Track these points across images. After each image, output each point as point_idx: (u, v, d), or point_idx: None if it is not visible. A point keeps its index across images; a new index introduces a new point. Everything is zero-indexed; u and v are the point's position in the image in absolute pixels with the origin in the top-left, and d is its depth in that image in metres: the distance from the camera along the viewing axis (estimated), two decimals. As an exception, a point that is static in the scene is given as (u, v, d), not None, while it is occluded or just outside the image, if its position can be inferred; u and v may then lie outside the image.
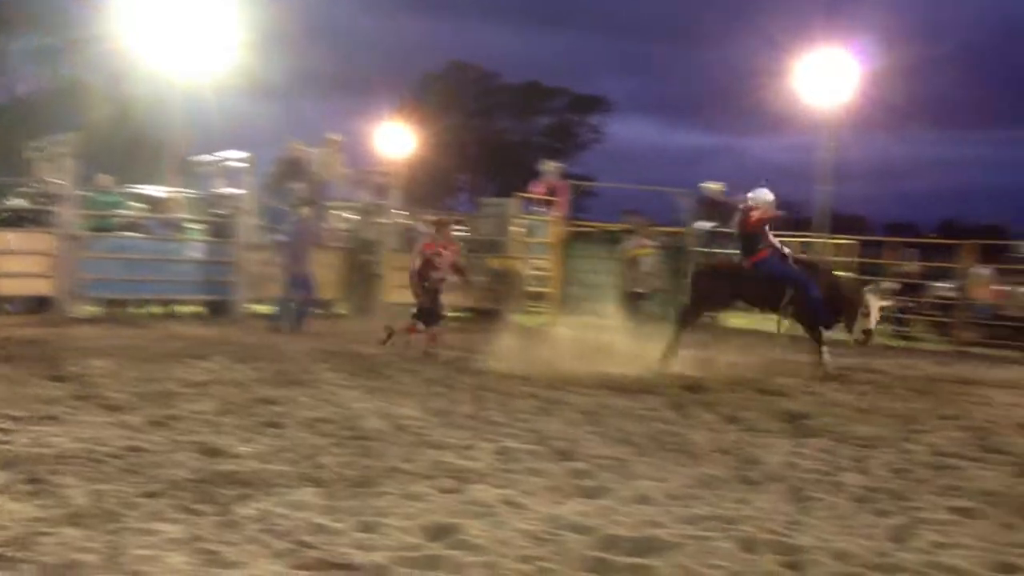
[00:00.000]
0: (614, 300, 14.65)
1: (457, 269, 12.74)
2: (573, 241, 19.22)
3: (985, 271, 17.63)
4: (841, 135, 22.09)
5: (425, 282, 12.40)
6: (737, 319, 18.96)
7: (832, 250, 19.78)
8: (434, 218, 13.86)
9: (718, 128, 71.58)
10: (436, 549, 4.79)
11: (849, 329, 11.99)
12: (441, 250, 12.53)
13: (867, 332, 11.68)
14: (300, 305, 15.30)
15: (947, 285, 18.44)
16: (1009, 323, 16.91)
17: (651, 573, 4.61)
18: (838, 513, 5.81)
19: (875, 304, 11.71)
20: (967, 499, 6.22)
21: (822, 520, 5.64)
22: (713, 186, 19.46)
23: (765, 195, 12.08)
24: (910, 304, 18.86)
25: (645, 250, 15.38)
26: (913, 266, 19.55)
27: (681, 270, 18.65)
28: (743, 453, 7.27)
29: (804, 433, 8.14)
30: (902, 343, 17.55)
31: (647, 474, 6.49)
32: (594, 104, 53.23)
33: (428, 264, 12.43)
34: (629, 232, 17.36)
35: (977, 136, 75.87)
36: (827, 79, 23.06)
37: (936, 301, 18.60)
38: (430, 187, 38.87)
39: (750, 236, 12.09)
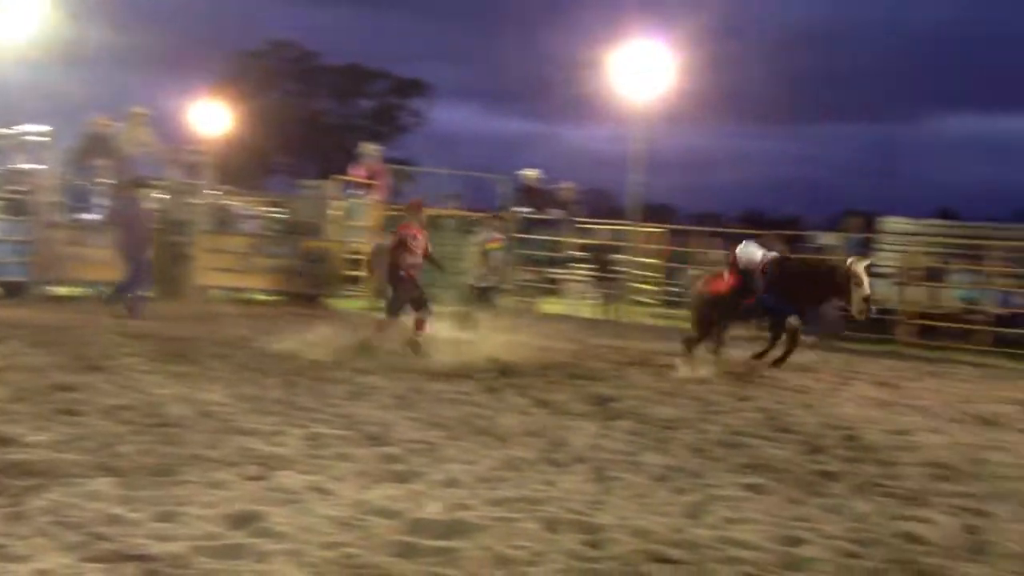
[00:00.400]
0: (451, 289, 14.61)
1: (427, 255, 12.02)
2: (393, 225, 19.10)
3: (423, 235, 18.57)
4: (653, 126, 22.73)
5: (400, 270, 11.68)
6: (551, 305, 19.38)
7: (642, 238, 20.40)
8: (411, 200, 13.04)
9: (538, 116, 72.57)
10: (238, 537, 4.71)
11: (848, 306, 11.68)
12: (417, 234, 11.88)
13: (867, 300, 11.39)
14: (132, 289, 14.54)
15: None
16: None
17: (457, 555, 4.66)
18: (638, 492, 6.02)
19: (863, 272, 11.57)
20: (758, 476, 6.55)
21: (623, 499, 5.83)
22: (530, 173, 19.75)
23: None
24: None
25: (496, 244, 15.07)
26: (718, 255, 20.38)
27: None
28: (551, 436, 7.43)
29: (610, 416, 8.39)
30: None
31: (457, 457, 6.56)
32: (416, 88, 52.98)
33: (403, 247, 11.72)
34: (474, 223, 17.28)
35: (781, 131, 79.63)
36: (641, 71, 23.72)
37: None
38: (246, 167, 37.87)
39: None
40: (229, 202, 19.01)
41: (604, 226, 21.59)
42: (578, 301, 20.11)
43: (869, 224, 19.96)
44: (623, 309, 19.19)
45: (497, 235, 15.33)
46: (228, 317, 14.63)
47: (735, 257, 11.82)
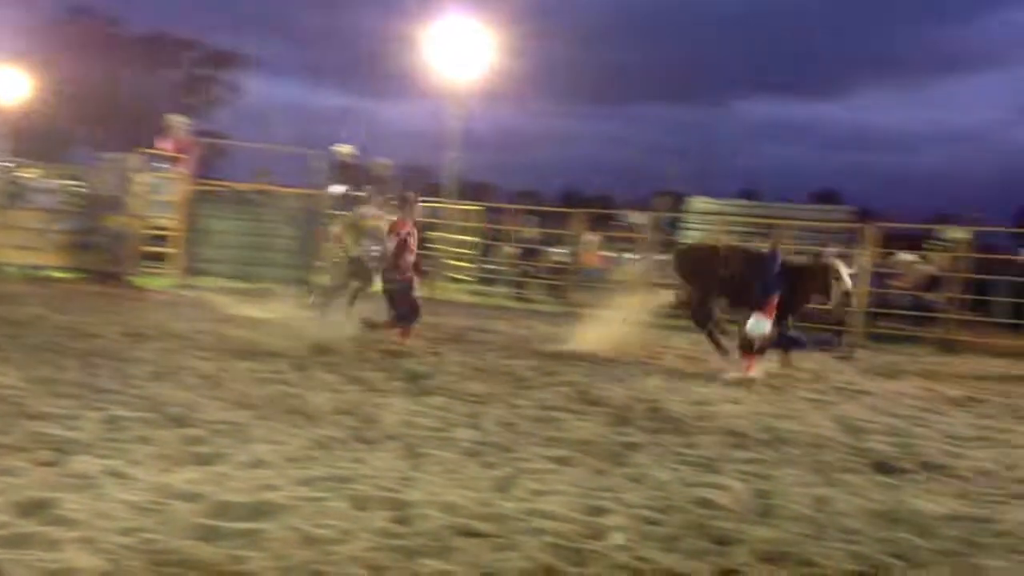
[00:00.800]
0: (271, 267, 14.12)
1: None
2: (202, 200, 18.57)
3: (594, 238, 19.04)
4: (470, 104, 22.86)
5: (399, 272, 11.06)
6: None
7: (460, 216, 20.50)
8: (404, 195, 12.03)
9: (355, 91, 71.66)
10: (28, 526, 4.49)
11: (828, 301, 11.61)
12: (413, 230, 11.22)
13: (847, 295, 11.57)
14: None
15: (562, 251, 19.73)
16: (613, 287, 18.33)
17: (262, 537, 4.58)
18: (449, 467, 6.07)
19: (842, 267, 11.76)
20: (566, 449, 6.72)
21: (433, 475, 5.87)
22: (344, 149, 19.50)
23: None
24: (529, 268, 20.02)
25: (376, 220, 14.21)
26: (533, 232, 20.71)
27: (316, 233, 18.60)
28: (362, 413, 7.39)
29: (423, 392, 8.42)
30: (520, 305, 18.54)
31: (265, 438, 6.44)
32: (229, 60, 51.41)
33: (403, 246, 11.07)
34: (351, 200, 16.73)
35: (596, 111, 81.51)
36: (458, 48, 23.79)
37: (552, 266, 19.85)
38: (44, 139, 35.89)
39: None
40: (22, 174, 17.97)
41: (420, 203, 21.56)
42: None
43: (677, 203, 20.69)
44: (439, 286, 19.24)
45: (378, 211, 14.59)
46: (21, 295, 13.84)
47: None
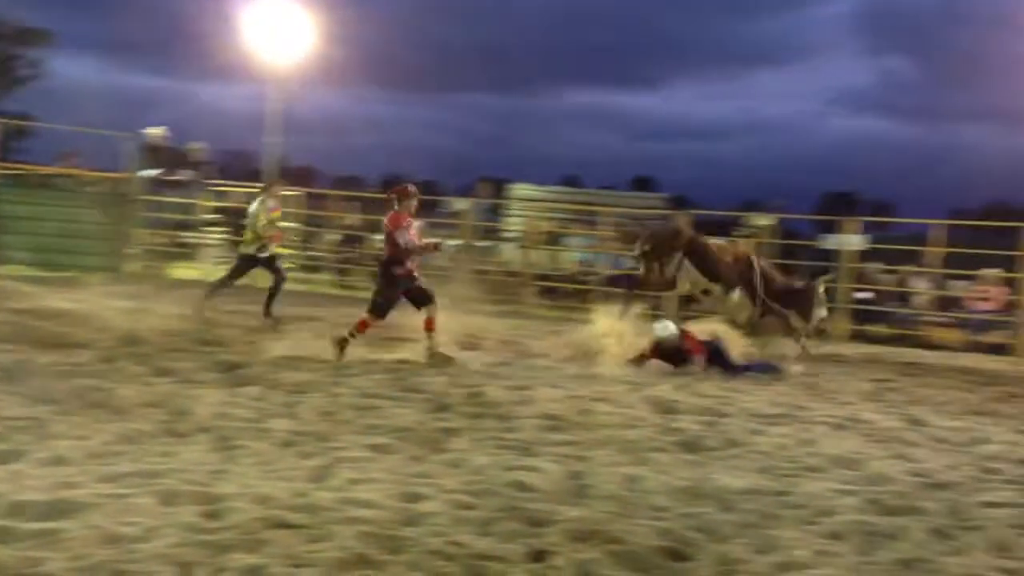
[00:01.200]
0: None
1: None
2: (3, 185, 17.58)
3: (416, 224, 18.97)
4: (292, 87, 22.36)
5: (394, 266, 10.40)
6: (183, 270, 18.66)
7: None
8: (399, 186, 11.00)
9: (171, 72, 69.25)
10: None
11: (806, 320, 12.13)
12: (410, 224, 10.55)
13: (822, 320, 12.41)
14: None
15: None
16: (435, 273, 18.36)
17: (60, 536, 4.41)
18: (263, 459, 5.98)
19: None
20: (384, 436, 6.71)
21: (247, 467, 5.77)
22: (155, 131, 18.82)
23: None
24: (351, 255, 19.83)
25: (277, 213, 13.20)
26: (355, 219, 20.50)
27: (126, 219, 17.89)
28: (173, 406, 7.18)
29: (238, 382, 8.24)
30: (342, 292, 18.33)
31: (67, 433, 6.19)
32: (33, 36, 48.64)
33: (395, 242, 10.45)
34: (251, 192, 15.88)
35: (420, 98, 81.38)
36: (279, 30, 23.23)
37: (375, 252, 19.70)
38: None
39: None
40: None
41: (239, 188, 21.02)
42: (212, 266, 19.49)
43: (498, 190, 20.87)
44: (259, 273, 18.81)
45: (273, 203, 13.49)
46: None
47: None
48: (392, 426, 7.05)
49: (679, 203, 20.65)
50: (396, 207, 10.49)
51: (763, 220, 16.19)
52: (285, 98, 22.09)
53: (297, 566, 4.35)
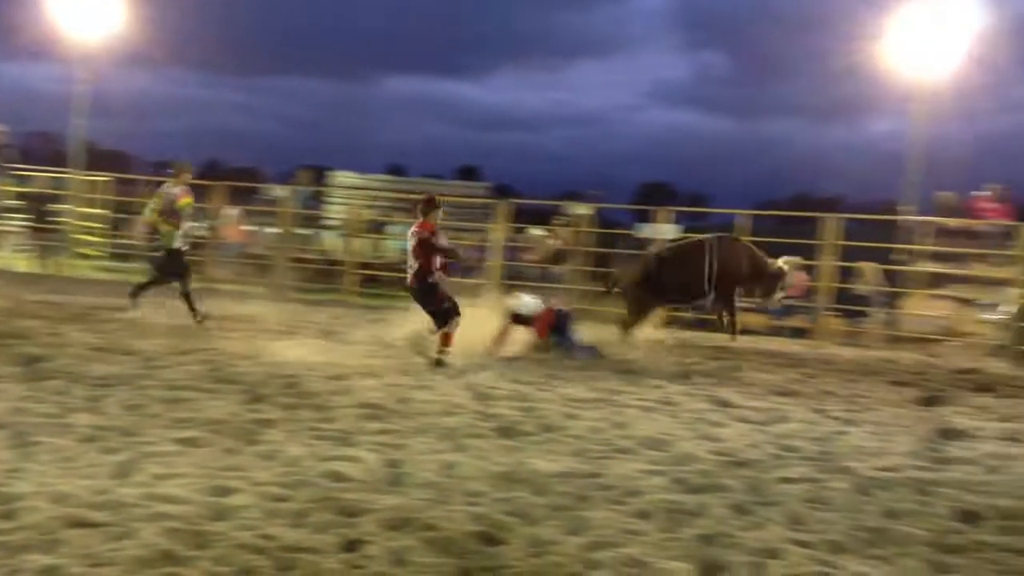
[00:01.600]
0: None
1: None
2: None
3: (234, 212, 18.53)
4: (102, 68, 21.32)
5: (429, 276, 9.98)
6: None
7: (87, 187, 19.20)
8: (427, 196, 10.46)
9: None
10: None
11: (766, 296, 12.41)
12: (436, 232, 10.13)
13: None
14: None
15: (200, 224, 19.03)
16: (254, 261, 17.99)
17: None
18: (64, 455, 5.74)
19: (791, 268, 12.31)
20: (194, 429, 6.53)
21: (46, 464, 5.53)
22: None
23: None
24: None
25: (187, 200, 12.00)
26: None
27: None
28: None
29: (38, 376, 7.85)
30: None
31: None
32: None
33: (430, 249, 10.02)
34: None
35: (239, 82, 79.33)
36: (85, 6, 22.12)
37: (191, 240, 19.11)
38: None
39: None
40: None
41: (42, 173, 19.99)
42: (12, 254, 18.51)
43: (320, 178, 20.58)
44: (64, 262, 17.98)
45: (181, 191, 12.31)
46: None
47: None
48: (203, 419, 6.85)
49: (502, 192, 20.84)
50: (423, 216, 10.21)
51: (581, 209, 16.54)
52: (92, 79, 21.11)
53: (96, 565, 4.20)
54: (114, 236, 19.19)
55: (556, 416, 7.65)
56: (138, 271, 18.58)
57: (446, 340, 10.02)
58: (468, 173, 39.89)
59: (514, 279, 15.97)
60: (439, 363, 9.85)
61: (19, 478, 5.21)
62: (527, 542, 4.80)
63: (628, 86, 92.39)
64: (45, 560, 4.17)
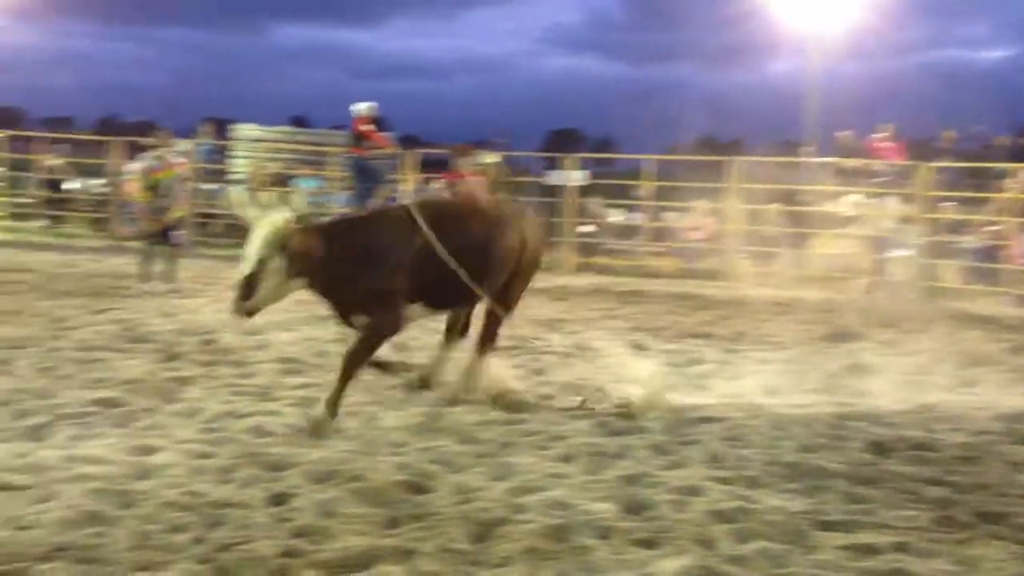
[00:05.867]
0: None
1: None
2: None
3: (135, 167, 18.04)
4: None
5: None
6: None
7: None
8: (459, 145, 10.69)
9: None
10: None
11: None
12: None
13: None
14: None
15: (100, 181, 18.56)
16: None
17: None
18: (-24, 421, 5.60)
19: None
20: (111, 390, 6.43)
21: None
22: None
23: None
24: (64, 200, 18.68)
25: (170, 172, 11.60)
26: (62, 162, 19.26)
27: None
28: None
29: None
30: (57, 240, 17.21)
31: None
32: None
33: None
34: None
35: (127, 32, 76.96)
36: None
37: (92, 197, 18.65)
38: None
39: None
40: None
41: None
42: None
43: (222, 131, 20.14)
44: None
45: (174, 159, 11.92)
46: None
47: None
48: (120, 379, 6.76)
49: (408, 142, 20.62)
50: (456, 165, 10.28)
51: (489, 158, 16.51)
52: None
53: (21, 528, 4.14)
54: (11, 195, 18.60)
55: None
56: (37, 230, 18.11)
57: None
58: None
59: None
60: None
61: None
62: (453, 489, 4.87)
63: (525, 32, 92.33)
64: (-34, 526, 4.10)
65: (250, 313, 5.72)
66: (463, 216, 6.44)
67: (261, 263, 5.56)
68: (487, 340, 6.58)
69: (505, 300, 6.55)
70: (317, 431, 5.66)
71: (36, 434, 5.42)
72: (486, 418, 6.16)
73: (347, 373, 5.88)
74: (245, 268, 5.56)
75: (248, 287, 5.57)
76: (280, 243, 5.58)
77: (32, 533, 4.11)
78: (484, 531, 4.36)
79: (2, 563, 3.78)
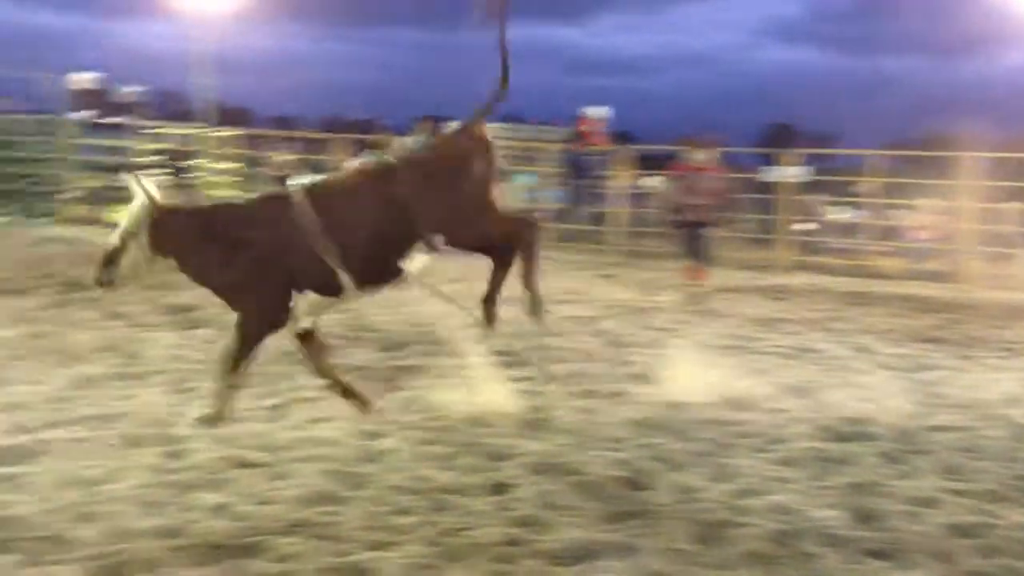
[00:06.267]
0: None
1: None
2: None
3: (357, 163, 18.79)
4: (219, 24, 21.75)
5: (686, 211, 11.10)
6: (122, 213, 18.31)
7: (216, 143, 19.74)
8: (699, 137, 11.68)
9: (81, 9, 67.16)
10: None
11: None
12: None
13: None
14: None
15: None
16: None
17: (23, 480, 4.39)
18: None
19: None
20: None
21: (204, 409, 5.73)
22: (84, 76, 18.43)
23: None
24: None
25: None
26: (293, 158, 20.24)
27: (60, 162, 17.54)
28: (127, 349, 7.13)
29: (189, 325, 8.16)
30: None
31: (22, 379, 6.11)
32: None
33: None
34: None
35: (349, 34, 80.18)
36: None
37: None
38: None
39: None
40: None
41: (175, 130, 20.61)
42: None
43: (438, 128, 20.62)
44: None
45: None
46: None
47: None
48: (348, 365, 7.02)
49: (620, 138, 20.55)
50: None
51: (703, 154, 16.24)
52: (214, 36, 21.61)
53: (262, 503, 4.38)
54: (247, 190, 19.70)
55: (690, 363, 7.59)
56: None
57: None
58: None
59: (639, 226, 15.84)
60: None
61: (181, 420, 5.43)
62: (673, 488, 4.82)
63: (739, 25, 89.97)
64: (214, 498, 4.37)
65: (110, 284, 5.58)
66: (351, 192, 5.66)
67: (125, 238, 5.54)
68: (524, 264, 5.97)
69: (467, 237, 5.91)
70: (208, 423, 5.44)
71: (273, 415, 5.71)
72: (703, 417, 6.06)
73: (225, 370, 5.54)
74: (111, 240, 5.56)
75: (110, 259, 5.51)
76: (144, 220, 5.53)
77: (272, 508, 4.34)
78: (706, 532, 4.29)
79: (247, 535, 4.01)
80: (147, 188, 5.59)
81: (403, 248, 5.66)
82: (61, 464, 4.61)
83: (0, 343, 7.07)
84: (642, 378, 7.03)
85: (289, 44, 70.31)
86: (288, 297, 5.60)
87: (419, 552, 3.96)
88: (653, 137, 25.02)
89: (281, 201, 5.58)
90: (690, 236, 11.27)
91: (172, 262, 5.62)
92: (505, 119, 32.70)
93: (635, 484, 4.86)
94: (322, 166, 19.97)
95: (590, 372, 7.17)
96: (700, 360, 7.67)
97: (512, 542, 4.11)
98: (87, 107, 18.02)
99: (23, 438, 4.94)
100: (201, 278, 5.73)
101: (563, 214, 16.54)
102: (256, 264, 5.51)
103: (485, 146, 5.81)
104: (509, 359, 7.50)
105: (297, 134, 23.46)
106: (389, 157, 5.75)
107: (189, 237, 5.55)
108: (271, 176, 19.99)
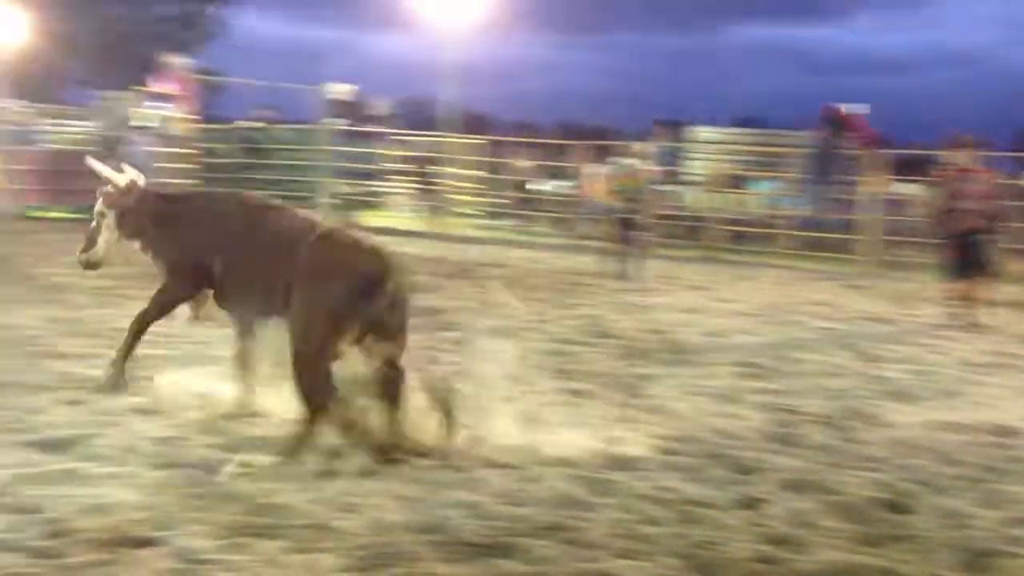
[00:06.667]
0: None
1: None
2: (204, 137, 18.66)
3: (597, 170, 18.88)
4: (463, 34, 22.42)
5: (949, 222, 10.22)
6: (375, 217, 19.16)
7: (462, 150, 20.33)
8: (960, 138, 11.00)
9: (341, 24, 70.83)
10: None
11: None
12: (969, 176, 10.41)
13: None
14: None
15: (565, 183, 19.64)
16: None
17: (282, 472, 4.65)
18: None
19: None
20: (583, 381, 6.73)
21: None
22: (341, 88, 19.43)
23: None
24: (533, 200, 20.00)
25: (638, 179, 13.10)
26: (533, 164, 20.60)
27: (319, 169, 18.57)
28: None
29: (440, 327, 8.37)
30: (524, 238, 18.41)
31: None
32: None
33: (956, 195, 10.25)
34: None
35: (589, 41, 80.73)
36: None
37: (556, 197, 19.80)
38: (40, 78, 35.47)
39: None
40: (25, 117, 17.90)
41: (423, 138, 21.42)
42: (401, 213, 20.04)
43: (676, 133, 20.48)
44: (446, 221, 19.17)
45: (643, 166, 13.36)
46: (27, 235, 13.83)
47: None
48: (589, 371, 7.06)
49: (870, 141, 19.68)
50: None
51: (967, 156, 15.29)
52: (459, 45, 22.27)
53: (514, 504, 4.43)
54: (490, 195, 20.22)
55: (951, 381, 7.18)
56: (511, 229, 19.56)
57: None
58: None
59: (895, 234, 15.08)
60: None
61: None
62: (938, 512, 4.53)
63: (1008, 20, 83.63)
64: (466, 497, 4.46)
65: (90, 265, 5.90)
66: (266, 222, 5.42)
67: (98, 220, 5.81)
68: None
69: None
70: (107, 388, 5.66)
71: (520, 417, 5.78)
72: (968, 439, 5.70)
73: (132, 329, 5.74)
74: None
75: (89, 241, 5.82)
76: (113, 202, 5.76)
77: (523, 510, 4.38)
78: (974, 561, 4.01)
79: (500, 535, 4.07)
80: (107, 172, 5.89)
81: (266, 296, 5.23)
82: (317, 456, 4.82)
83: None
84: (899, 395, 6.70)
85: (525, 52, 71.51)
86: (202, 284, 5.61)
87: (670, 564, 3.89)
88: (905, 140, 23.88)
89: (233, 203, 5.68)
90: (961, 245, 10.17)
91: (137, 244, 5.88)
92: (743, 123, 32.05)
93: (896, 507, 4.60)
94: (561, 172, 20.32)
95: (840, 388, 6.88)
96: (960, 378, 7.26)
97: (766, 560, 3.97)
98: (342, 117, 18.99)
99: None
100: (155, 259, 5.82)
101: (807, 222, 16.03)
102: (186, 250, 5.61)
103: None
104: (752, 370, 7.34)
105: (538, 140, 23.80)
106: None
107: (152, 220, 5.76)
108: (512, 181, 20.48)
